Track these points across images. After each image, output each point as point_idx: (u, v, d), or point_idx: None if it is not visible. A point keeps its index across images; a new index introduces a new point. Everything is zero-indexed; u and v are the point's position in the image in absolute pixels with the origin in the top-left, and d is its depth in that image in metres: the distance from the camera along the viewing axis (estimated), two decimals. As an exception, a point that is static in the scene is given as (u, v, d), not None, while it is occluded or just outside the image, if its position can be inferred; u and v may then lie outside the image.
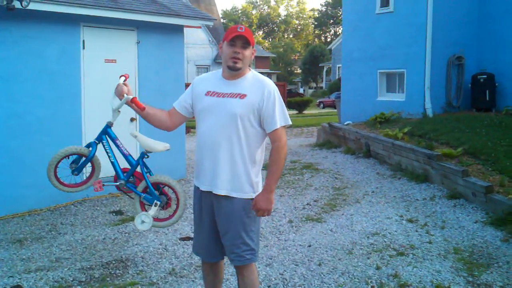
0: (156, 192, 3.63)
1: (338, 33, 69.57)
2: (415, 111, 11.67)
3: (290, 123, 3.29)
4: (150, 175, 3.64)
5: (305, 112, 33.38)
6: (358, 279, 4.59)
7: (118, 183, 3.62)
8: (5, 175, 6.95)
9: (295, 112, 33.01)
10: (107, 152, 3.60)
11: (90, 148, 3.59)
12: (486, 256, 5.12)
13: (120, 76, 3.47)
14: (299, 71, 73.50)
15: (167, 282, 4.63)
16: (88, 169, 3.72)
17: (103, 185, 3.60)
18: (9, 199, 6.94)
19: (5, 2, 6.43)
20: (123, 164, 3.70)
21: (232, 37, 3.16)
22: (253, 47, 3.25)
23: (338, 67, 43.25)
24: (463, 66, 11.94)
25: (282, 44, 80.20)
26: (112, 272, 4.91)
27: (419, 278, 4.58)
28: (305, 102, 35.09)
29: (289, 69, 76.97)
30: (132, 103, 3.36)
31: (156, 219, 3.69)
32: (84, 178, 3.76)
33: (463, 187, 7.03)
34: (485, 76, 11.55)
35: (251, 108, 3.18)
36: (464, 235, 5.74)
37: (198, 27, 10.02)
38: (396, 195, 7.52)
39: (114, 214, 7.07)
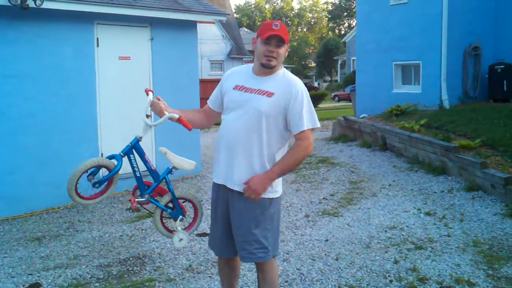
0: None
1: (352, 26, 69.15)
2: (432, 102, 11.54)
3: (319, 125, 3.18)
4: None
5: (320, 105, 33.22)
6: (376, 273, 4.55)
7: (144, 199, 3.57)
8: (21, 174, 7.01)
9: (310, 106, 32.82)
10: (133, 167, 3.51)
11: (114, 161, 3.47)
12: (507, 248, 5.04)
13: (147, 92, 3.40)
14: (313, 64, 73.24)
15: (184, 278, 4.63)
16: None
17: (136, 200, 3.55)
18: (26, 197, 7.00)
19: (19, 2, 6.47)
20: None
21: (268, 36, 3.08)
22: (287, 44, 3.18)
23: (353, 60, 42.99)
24: (480, 56, 11.77)
25: (296, 38, 79.93)
26: (130, 269, 4.93)
27: (438, 271, 4.53)
28: (320, 95, 34.93)
29: (303, 62, 76.68)
30: (179, 122, 3.29)
31: (169, 230, 3.71)
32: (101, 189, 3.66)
33: (481, 179, 6.94)
34: (503, 66, 11.37)
35: (278, 108, 3.10)
36: (484, 228, 5.66)
37: (211, 22, 10.02)
38: (414, 188, 7.45)
39: (131, 211, 7.07)
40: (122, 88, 8.02)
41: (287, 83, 3.15)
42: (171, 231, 3.66)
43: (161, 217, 3.67)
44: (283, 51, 3.13)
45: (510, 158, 7.25)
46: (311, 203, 7.01)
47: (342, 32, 79.39)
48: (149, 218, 6.60)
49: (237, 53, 43.36)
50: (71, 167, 7.51)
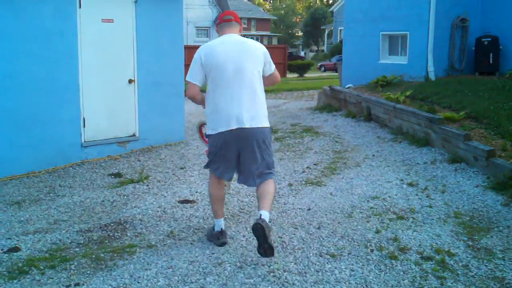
0: None
1: (340, -5, 68.49)
2: (418, 74, 11.51)
3: (188, 79, 4.30)
4: None
5: (306, 75, 33.14)
6: (357, 242, 4.57)
7: None
8: (1, 137, 6.83)
9: (296, 75, 32.78)
10: None
11: None
12: (487, 220, 5.09)
13: None
14: (300, 33, 72.78)
15: (165, 244, 4.61)
16: None
17: None
18: (6, 161, 6.86)
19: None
20: None
21: None
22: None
23: (340, 30, 42.80)
24: (467, 29, 11.71)
25: (283, 6, 79.10)
26: (111, 235, 4.89)
27: (418, 242, 4.55)
28: (306, 65, 34.84)
29: (290, 31, 76.07)
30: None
31: None
32: None
33: (464, 151, 6.97)
34: (489, 39, 11.34)
35: None
36: (465, 199, 5.70)
37: (197, -14, 9.80)
38: (397, 159, 7.47)
39: (112, 176, 7.03)
40: (104, 51, 7.85)
41: None
42: None
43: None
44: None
45: (494, 130, 7.29)
46: (295, 172, 7.00)
47: (330, 1, 78.66)
48: (131, 184, 6.56)
49: (223, 20, 42.77)
50: (52, 131, 7.44)
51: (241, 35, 4.50)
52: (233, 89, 4.19)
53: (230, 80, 4.19)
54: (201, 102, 4.40)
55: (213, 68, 4.19)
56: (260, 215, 4.05)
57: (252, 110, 4.22)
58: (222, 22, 4.44)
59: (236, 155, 4.32)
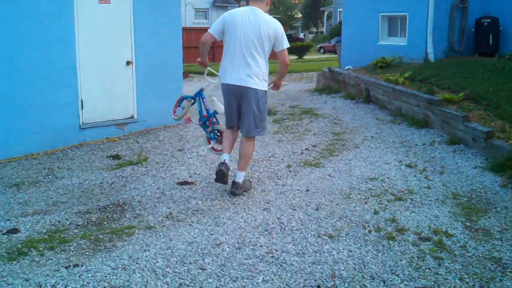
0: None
1: (339, -24, 67.97)
2: (417, 55, 11.45)
3: (209, 30, 5.27)
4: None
5: (305, 57, 33.01)
6: (355, 223, 4.58)
7: (199, 123, 6.16)
8: (-1, 120, 6.83)
9: (295, 57, 32.64)
10: (199, 105, 6.07)
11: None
12: (485, 201, 5.11)
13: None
14: (299, 15, 72.27)
15: (164, 225, 4.62)
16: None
17: (190, 121, 6.45)
18: (4, 143, 6.84)
19: None
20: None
21: None
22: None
23: (339, 11, 42.50)
24: (467, 10, 11.61)
25: (283, -13, 78.35)
26: (109, 216, 4.90)
27: (416, 222, 4.57)
28: (305, 47, 34.71)
29: (289, 13, 75.46)
30: None
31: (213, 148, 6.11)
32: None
33: (463, 132, 6.96)
34: (489, 20, 11.26)
35: None
36: (463, 181, 5.71)
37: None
38: (396, 140, 7.46)
39: (111, 158, 7.02)
40: (102, 33, 7.79)
41: None
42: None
43: (208, 138, 6.20)
44: None
45: (493, 112, 7.28)
46: (293, 154, 7.00)
47: (330, -18, 78.07)
48: (130, 166, 6.56)
49: (222, 1, 42.53)
50: (50, 114, 7.41)
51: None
52: (237, 53, 5.11)
53: (237, 45, 5.11)
54: (202, 52, 5.37)
55: (227, 31, 5.15)
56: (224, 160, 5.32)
57: (248, 72, 5.09)
58: None
59: (236, 105, 5.28)
